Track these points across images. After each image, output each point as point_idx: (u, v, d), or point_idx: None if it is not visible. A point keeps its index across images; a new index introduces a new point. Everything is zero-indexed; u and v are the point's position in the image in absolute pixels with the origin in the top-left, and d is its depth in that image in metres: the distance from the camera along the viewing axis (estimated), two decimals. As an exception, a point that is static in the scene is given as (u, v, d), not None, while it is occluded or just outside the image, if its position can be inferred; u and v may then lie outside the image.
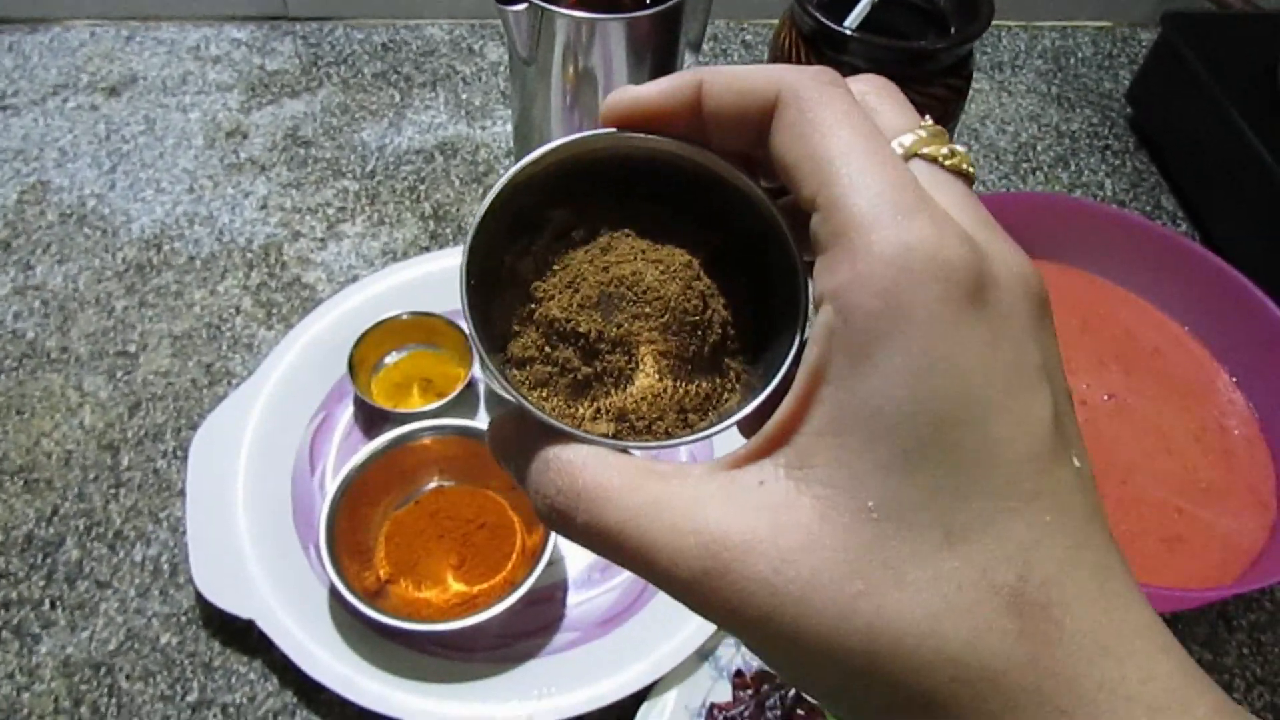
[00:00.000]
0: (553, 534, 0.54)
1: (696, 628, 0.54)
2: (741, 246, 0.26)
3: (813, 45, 0.62)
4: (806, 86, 0.22)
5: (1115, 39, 1.02)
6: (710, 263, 0.26)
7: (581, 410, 0.25)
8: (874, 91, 0.24)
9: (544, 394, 0.25)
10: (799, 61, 0.63)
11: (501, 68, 0.91)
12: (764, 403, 0.23)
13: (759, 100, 0.23)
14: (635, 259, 0.25)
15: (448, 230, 0.77)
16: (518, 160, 0.24)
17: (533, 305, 0.25)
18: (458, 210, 0.78)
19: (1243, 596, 0.60)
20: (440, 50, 0.93)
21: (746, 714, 0.52)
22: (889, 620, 0.19)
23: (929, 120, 0.23)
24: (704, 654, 0.54)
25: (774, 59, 0.66)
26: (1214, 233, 0.81)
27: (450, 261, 0.71)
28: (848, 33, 0.60)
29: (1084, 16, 1.03)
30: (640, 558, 0.21)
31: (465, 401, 0.64)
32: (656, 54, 0.66)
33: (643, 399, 0.24)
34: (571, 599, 0.57)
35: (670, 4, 0.62)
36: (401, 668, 0.53)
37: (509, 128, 0.84)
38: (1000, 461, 0.20)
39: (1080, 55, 1.00)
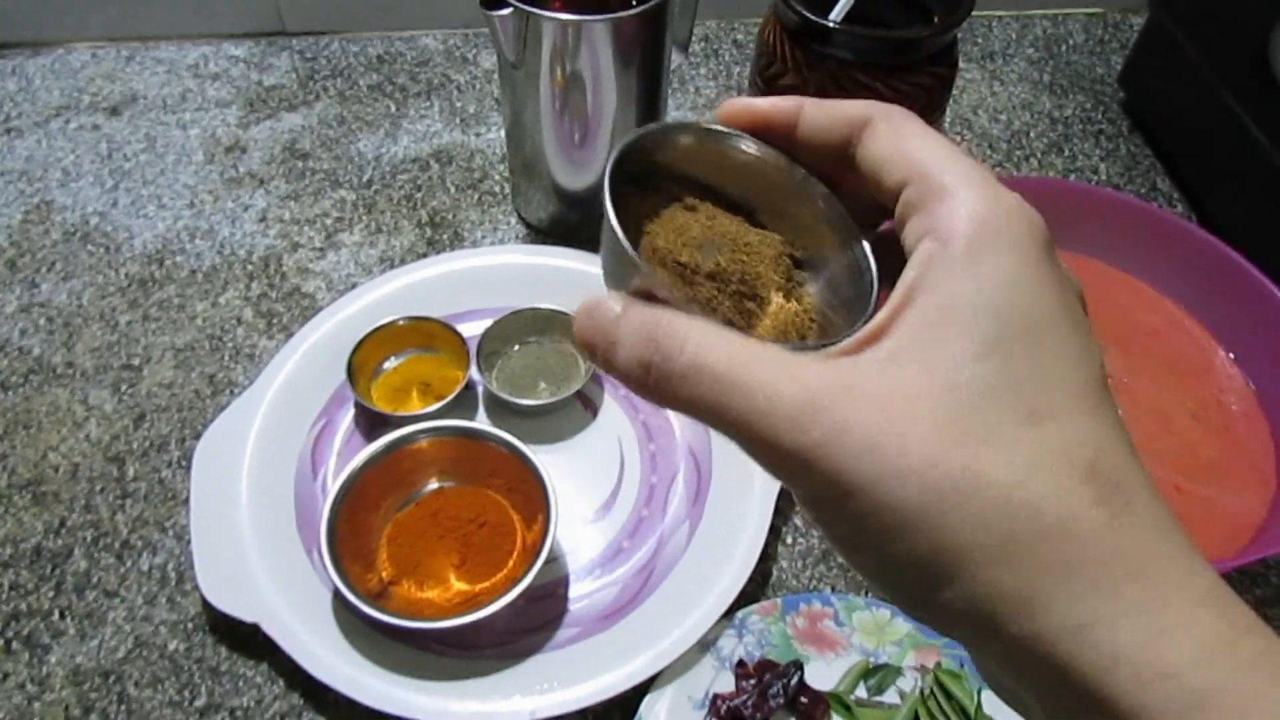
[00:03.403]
0: (551, 530, 0.54)
1: (698, 619, 0.54)
2: (818, 243, 0.29)
3: (797, 39, 0.63)
4: (895, 112, 0.26)
5: (1106, 24, 1.02)
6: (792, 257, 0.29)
7: None
8: None
9: None
10: (784, 54, 0.63)
11: (495, 75, 0.92)
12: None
13: (850, 120, 0.27)
14: (736, 226, 0.29)
15: (444, 236, 0.77)
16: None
17: (643, 236, 0.28)
18: (454, 216, 0.79)
19: (1247, 572, 0.60)
20: (435, 60, 0.93)
21: (750, 703, 0.52)
22: (982, 466, 0.21)
23: None
24: (706, 645, 0.54)
25: (760, 54, 0.67)
26: (1209, 213, 0.81)
27: (446, 267, 0.72)
28: (832, 25, 0.60)
29: (1075, 3, 1.03)
30: (737, 396, 0.23)
31: (464, 403, 0.65)
32: (644, 54, 0.66)
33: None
34: (573, 594, 0.57)
35: (655, 3, 0.63)
36: (406, 667, 0.53)
37: (503, 133, 0.84)
38: (1077, 367, 0.23)
39: (1072, 42, 1.00)
